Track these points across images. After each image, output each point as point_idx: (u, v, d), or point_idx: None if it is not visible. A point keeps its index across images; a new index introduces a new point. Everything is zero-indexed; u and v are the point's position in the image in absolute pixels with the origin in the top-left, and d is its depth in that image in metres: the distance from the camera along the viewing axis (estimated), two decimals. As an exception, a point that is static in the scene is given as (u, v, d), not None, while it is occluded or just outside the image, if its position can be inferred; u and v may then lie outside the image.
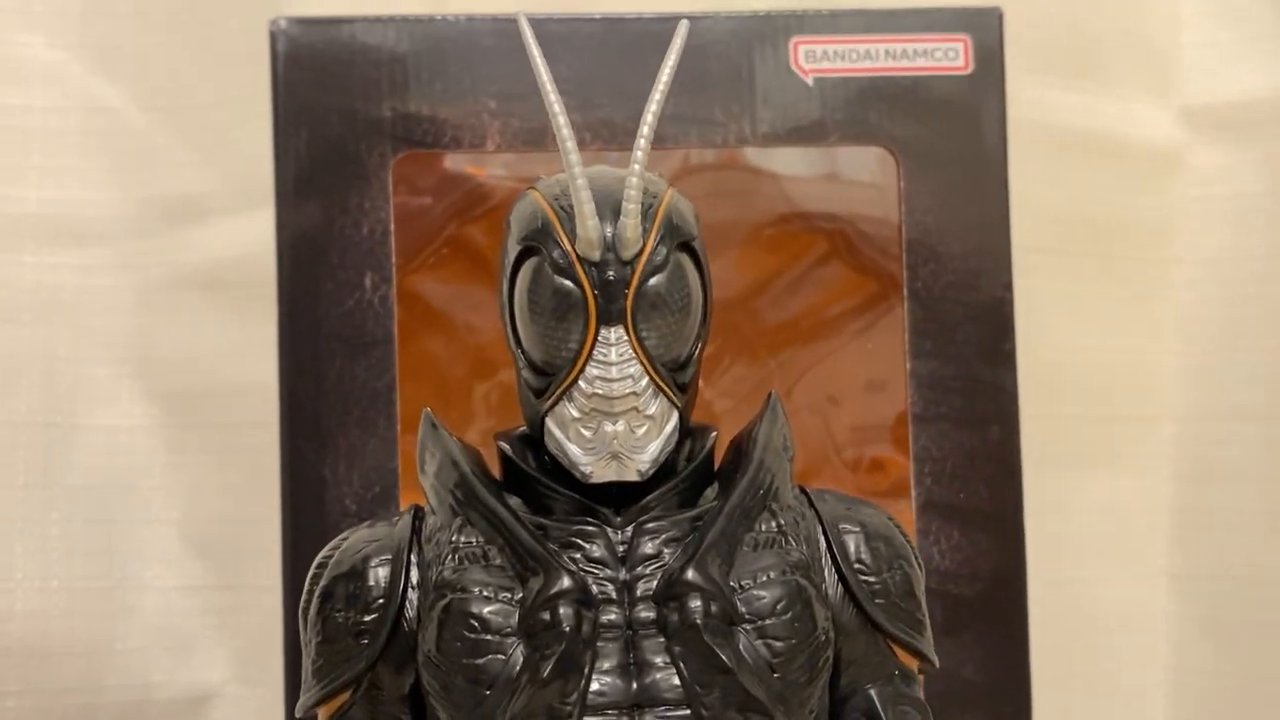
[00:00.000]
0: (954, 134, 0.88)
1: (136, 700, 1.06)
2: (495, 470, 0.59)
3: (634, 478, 0.59)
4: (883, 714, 0.62)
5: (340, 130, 0.85)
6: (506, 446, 0.63)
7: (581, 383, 0.58)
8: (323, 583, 0.62)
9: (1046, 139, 1.17)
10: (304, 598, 0.63)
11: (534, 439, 0.57)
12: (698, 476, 0.62)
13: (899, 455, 0.90)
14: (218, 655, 1.18)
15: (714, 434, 0.64)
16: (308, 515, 0.85)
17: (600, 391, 0.58)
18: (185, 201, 1.09)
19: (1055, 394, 1.15)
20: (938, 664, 0.65)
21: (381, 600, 0.57)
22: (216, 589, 1.14)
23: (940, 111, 0.88)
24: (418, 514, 0.63)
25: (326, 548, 0.65)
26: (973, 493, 0.86)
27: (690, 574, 0.57)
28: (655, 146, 0.60)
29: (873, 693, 0.62)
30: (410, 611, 0.60)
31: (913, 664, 0.64)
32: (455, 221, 0.89)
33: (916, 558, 0.65)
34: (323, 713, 0.63)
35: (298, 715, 0.64)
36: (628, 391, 0.58)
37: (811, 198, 0.92)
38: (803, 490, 0.65)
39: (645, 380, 0.58)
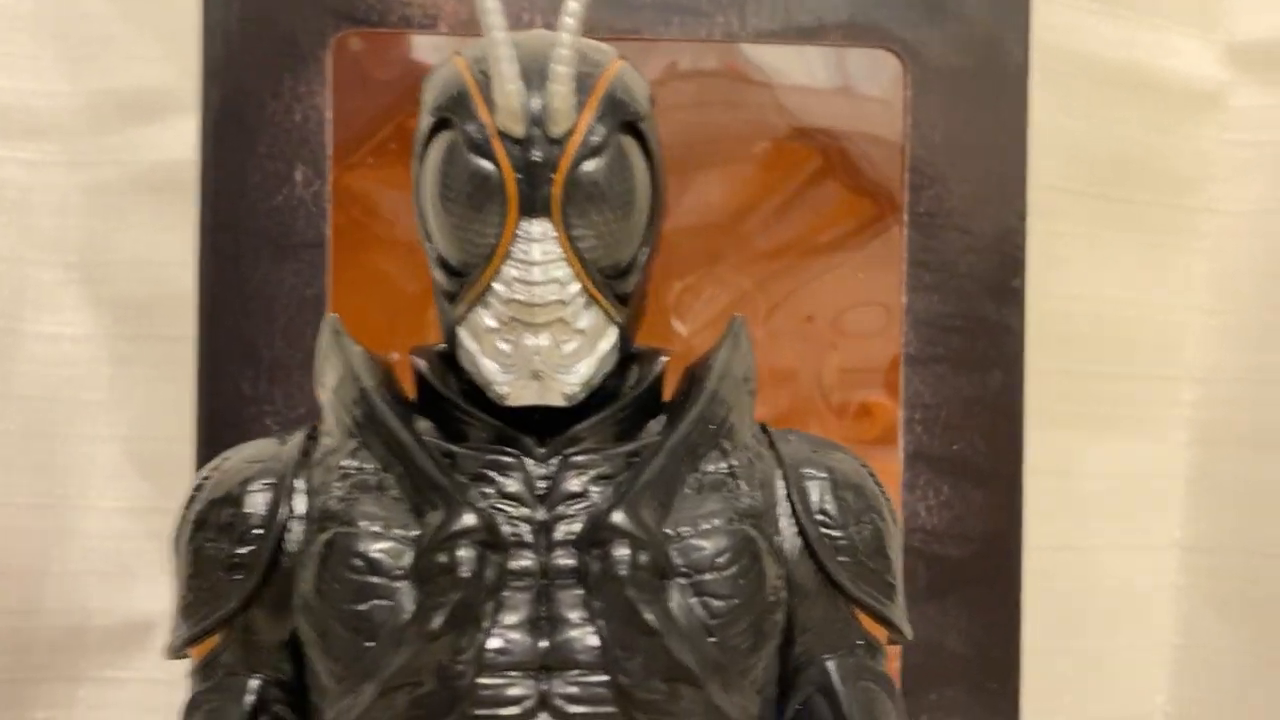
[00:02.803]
0: (971, 45, 0.78)
1: (73, 626, 1.00)
2: (411, 390, 0.55)
3: (559, 402, 0.50)
4: (839, 689, 0.53)
5: (274, 2, 0.75)
6: (421, 362, 0.54)
7: (498, 285, 0.49)
8: (196, 507, 0.54)
9: (1073, 67, 1.07)
10: (176, 523, 0.55)
11: (453, 356, 0.52)
12: (641, 406, 0.54)
13: (890, 401, 0.80)
14: (161, 583, 1.11)
15: (663, 359, 0.55)
16: (223, 435, 0.76)
17: (520, 296, 0.49)
18: (143, 96, 1.00)
19: (1065, 344, 1.06)
20: (909, 635, 0.56)
21: (259, 531, 0.50)
22: (162, 512, 1.07)
23: (957, 18, 0.78)
24: (312, 434, 0.54)
25: (207, 467, 0.56)
26: (968, 444, 0.77)
27: (618, 516, 0.49)
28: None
29: (830, 665, 0.53)
30: (291, 545, 0.51)
31: (880, 634, 0.55)
32: (403, 113, 0.79)
33: (891, 512, 0.56)
34: (194, 653, 0.54)
35: (165, 656, 0.56)
36: (552, 299, 0.49)
37: (810, 110, 0.82)
38: (764, 429, 0.55)
39: (575, 286, 0.49)
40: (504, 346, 0.50)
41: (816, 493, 0.54)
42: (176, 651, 0.55)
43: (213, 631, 0.53)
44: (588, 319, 0.50)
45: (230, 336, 0.76)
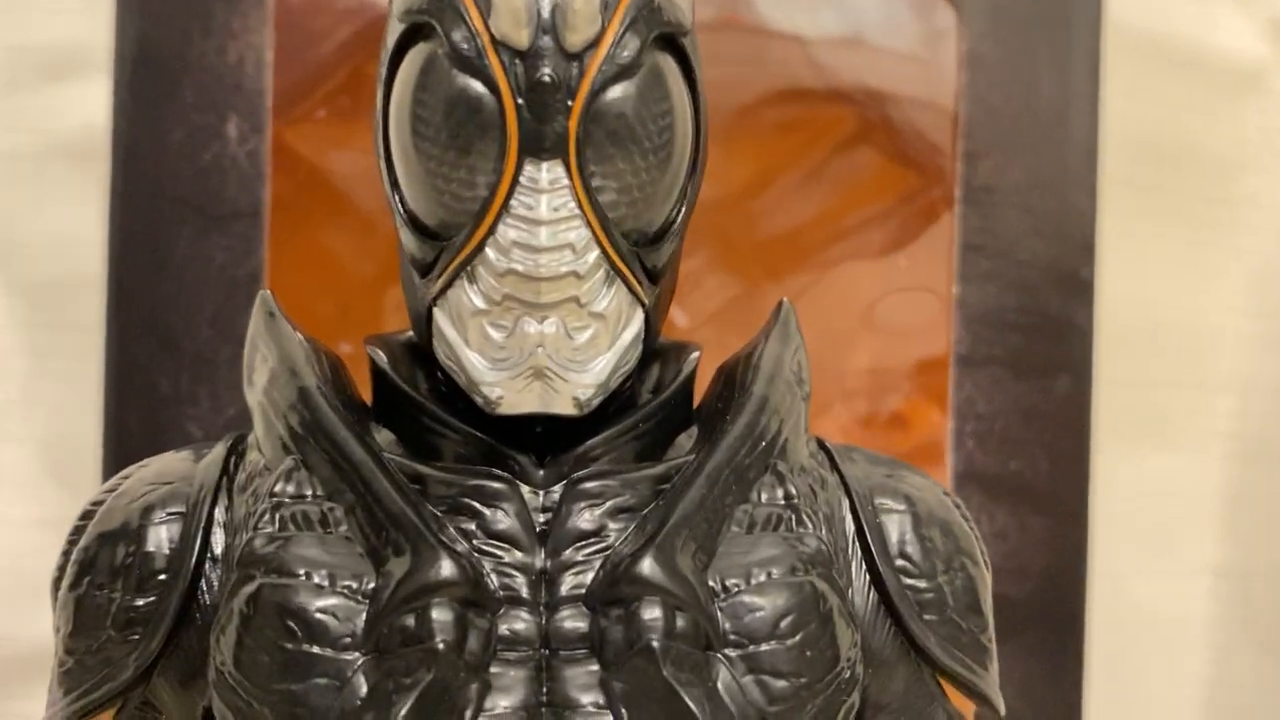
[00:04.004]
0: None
1: (-28, 653, 0.86)
2: (367, 392, 0.43)
3: (568, 410, 0.38)
4: None
5: (205, -79, 0.62)
6: (380, 354, 0.41)
7: (491, 251, 0.37)
8: (82, 542, 0.41)
9: (1130, 38, 0.96)
10: (58, 561, 0.42)
11: (424, 348, 0.41)
12: (668, 415, 0.42)
13: (930, 408, 0.69)
14: None
15: (695, 354, 0.43)
16: (136, 443, 0.64)
17: (520, 267, 0.37)
18: (63, 55, 0.85)
19: (1122, 350, 0.96)
20: (1003, 710, 0.44)
21: (164, 576, 0.41)
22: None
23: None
24: (236, 445, 0.41)
25: (102, 488, 0.43)
26: (1029, 463, 0.65)
27: (647, 565, 0.37)
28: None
29: None
30: (207, 596, 0.39)
31: (967, 709, 0.43)
32: (362, 55, 0.66)
33: (983, 552, 0.44)
34: None
35: None
36: (564, 270, 0.37)
37: (840, 65, 0.70)
38: (821, 445, 0.43)
39: (594, 254, 0.37)
40: (495, 334, 0.38)
41: (896, 532, 0.42)
42: None
43: (102, 709, 0.40)
44: (608, 299, 0.38)
45: (144, 324, 0.64)
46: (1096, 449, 0.66)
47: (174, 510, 0.40)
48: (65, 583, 0.41)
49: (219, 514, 0.40)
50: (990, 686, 0.43)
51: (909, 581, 0.41)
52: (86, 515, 0.42)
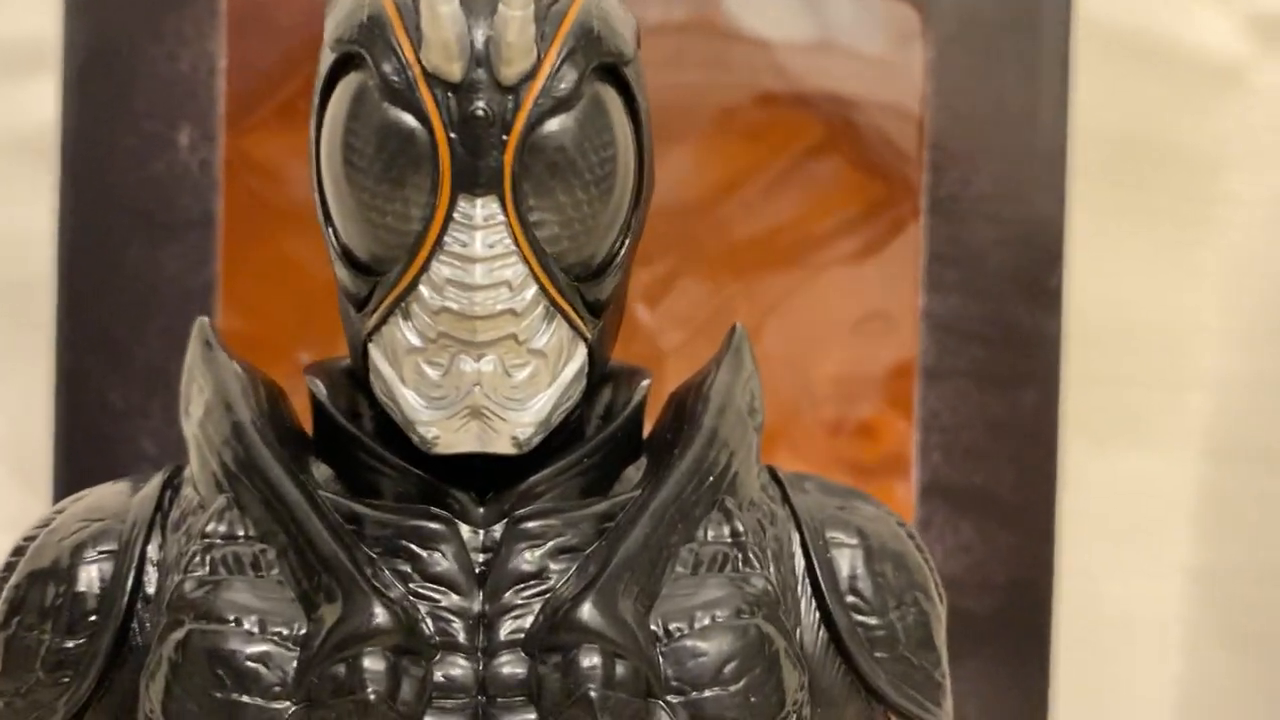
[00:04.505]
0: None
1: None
2: (309, 421, 0.42)
3: (505, 449, 0.37)
4: None
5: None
6: (320, 385, 0.40)
7: (424, 289, 0.36)
8: (14, 579, 0.40)
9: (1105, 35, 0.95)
10: None
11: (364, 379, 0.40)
12: (615, 448, 0.41)
13: (896, 418, 0.68)
14: None
15: (645, 382, 0.41)
16: (86, 457, 0.62)
17: (455, 305, 0.36)
18: (14, 50, 0.82)
19: (1095, 350, 0.95)
20: None
21: (94, 617, 0.40)
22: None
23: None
24: (172, 479, 0.40)
25: (35, 523, 0.42)
26: (993, 475, 0.64)
27: (586, 611, 0.36)
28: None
29: None
30: (139, 638, 0.38)
31: None
32: (314, 63, 0.64)
33: (938, 585, 0.43)
34: None
35: None
36: (500, 308, 0.36)
37: (805, 70, 0.68)
38: (773, 475, 0.42)
39: (532, 290, 0.36)
40: (431, 373, 0.36)
41: (846, 567, 0.41)
42: None
43: None
44: (548, 335, 0.37)
45: (96, 335, 0.63)
46: (1066, 451, 0.65)
47: (105, 549, 0.39)
48: None
49: (151, 552, 0.39)
50: None
51: (859, 618, 0.41)
52: (18, 551, 0.41)
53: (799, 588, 0.40)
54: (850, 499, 0.43)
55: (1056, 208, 0.65)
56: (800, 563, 0.41)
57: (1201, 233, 1.04)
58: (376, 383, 0.38)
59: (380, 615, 0.35)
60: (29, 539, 0.41)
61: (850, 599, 0.41)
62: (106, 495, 0.41)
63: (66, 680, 0.38)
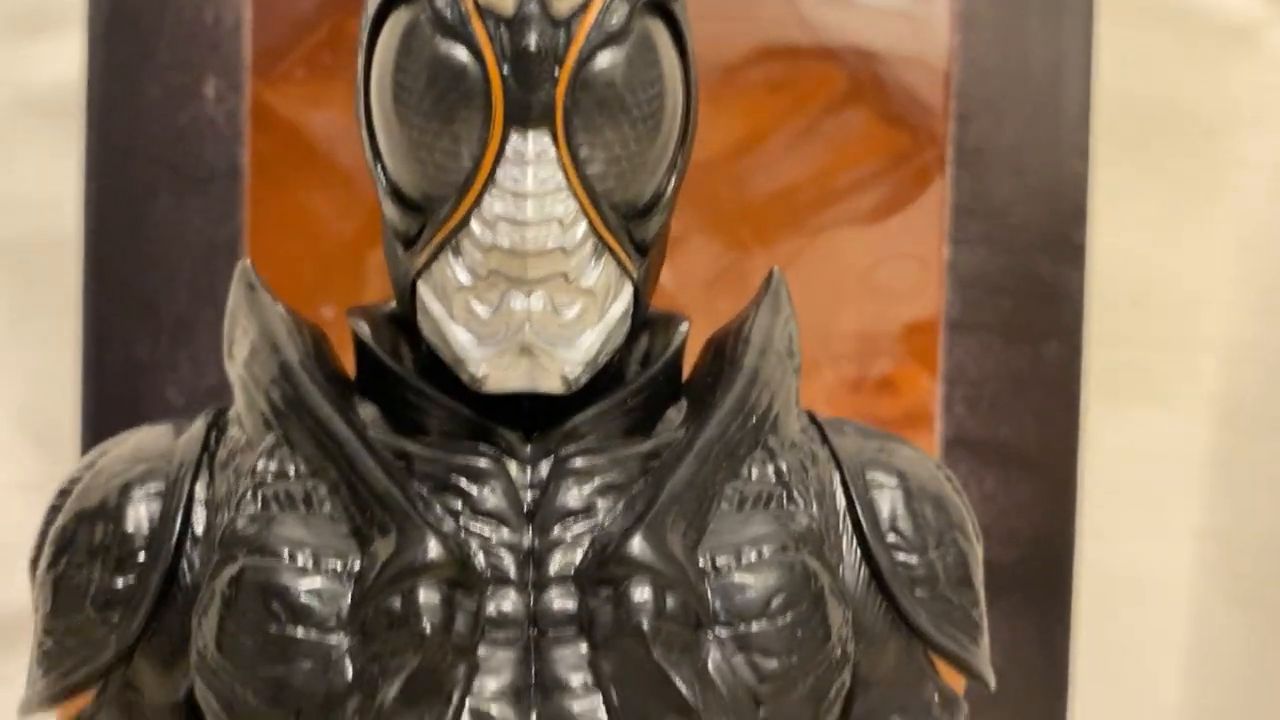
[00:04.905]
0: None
1: (-49, 619, 0.84)
2: (350, 365, 0.42)
3: (555, 388, 0.37)
4: None
5: None
6: (363, 326, 0.40)
7: (475, 225, 0.36)
8: (60, 521, 0.40)
9: None
10: (35, 540, 0.41)
11: (409, 322, 0.40)
12: (657, 390, 0.41)
13: (919, 373, 0.68)
14: None
15: (684, 325, 0.42)
16: (114, 410, 0.62)
17: (506, 242, 0.36)
18: (37, 7, 0.84)
19: (1111, 312, 0.95)
20: (993, 685, 0.43)
21: (143, 556, 0.39)
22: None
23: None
24: (218, 420, 0.41)
25: (80, 463, 0.42)
26: (1018, 428, 0.64)
27: (636, 545, 0.36)
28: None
29: None
30: (188, 576, 0.38)
31: (958, 683, 0.43)
32: (342, 12, 0.64)
33: (975, 525, 0.44)
34: (59, 713, 0.40)
35: (21, 713, 0.42)
36: (551, 245, 0.36)
37: (830, 22, 0.68)
38: (812, 419, 0.42)
39: (582, 227, 0.36)
40: (481, 310, 0.36)
41: (887, 507, 0.41)
42: (33, 711, 0.41)
43: (82, 689, 0.39)
44: (596, 273, 0.37)
45: (122, 289, 0.63)
46: (1086, 411, 0.65)
47: (153, 488, 0.39)
48: (43, 562, 0.40)
49: (200, 491, 0.39)
50: (981, 662, 0.43)
51: (900, 557, 0.41)
52: (64, 493, 0.41)
53: (840, 527, 0.40)
54: (888, 442, 0.43)
55: (1081, 163, 0.65)
56: (841, 503, 0.41)
57: (1215, 196, 1.03)
58: (424, 322, 0.38)
59: (434, 549, 0.35)
60: (74, 481, 0.41)
61: (891, 538, 0.41)
62: (149, 438, 0.42)
63: (116, 619, 0.38)
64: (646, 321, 0.42)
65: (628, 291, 0.38)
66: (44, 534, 0.41)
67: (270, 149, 0.64)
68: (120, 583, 0.39)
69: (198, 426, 0.41)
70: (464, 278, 0.36)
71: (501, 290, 0.36)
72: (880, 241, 0.70)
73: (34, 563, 0.41)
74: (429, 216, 0.37)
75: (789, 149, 0.72)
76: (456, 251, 0.36)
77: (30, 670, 0.41)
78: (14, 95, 0.88)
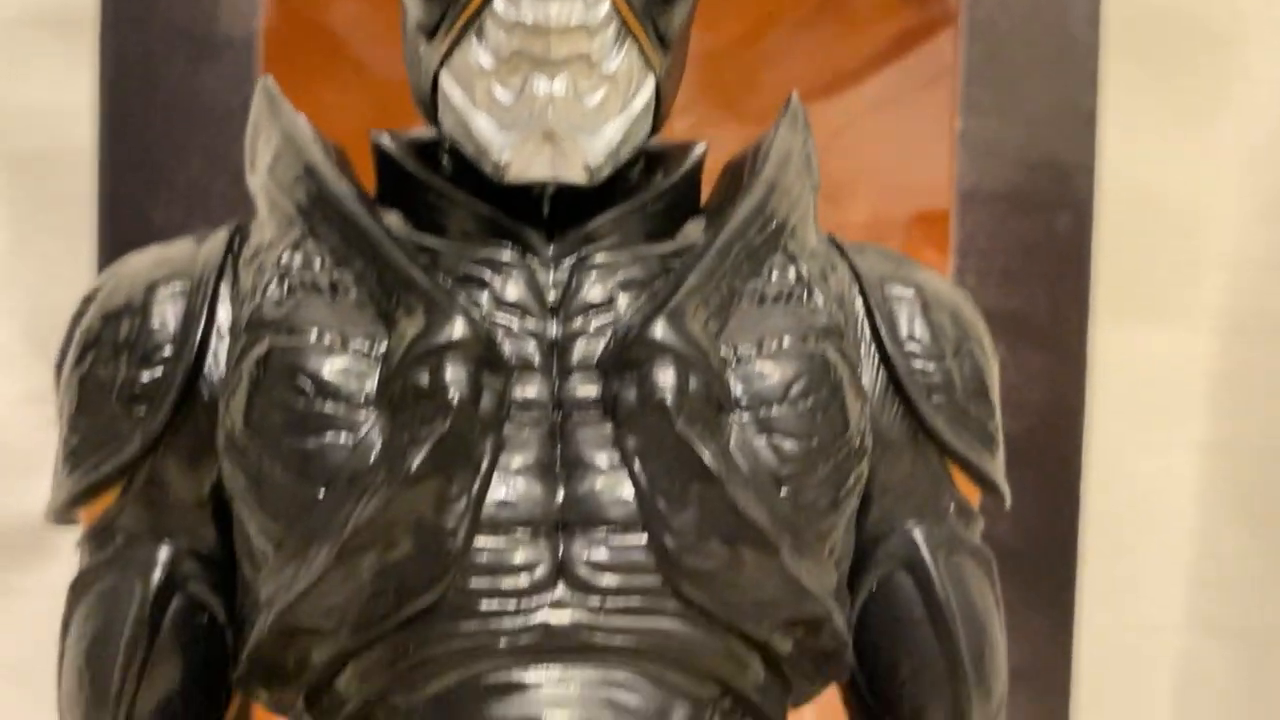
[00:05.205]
0: None
1: (-38, 529, 0.84)
2: (368, 188, 0.42)
3: (577, 176, 0.37)
4: (929, 563, 0.41)
5: None
6: (386, 140, 0.40)
7: (499, 3, 0.36)
8: (85, 322, 0.40)
9: None
10: (60, 345, 0.41)
11: (429, 145, 0.41)
12: (675, 201, 0.41)
13: (928, 250, 0.68)
14: None
15: (701, 148, 0.42)
16: None
17: (529, 18, 0.36)
18: None
19: (1114, 225, 0.95)
20: (1009, 498, 0.44)
21: (169, 350, 0.40)
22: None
23: None
24: (239, 229, 0.41)
25: (102, 275, 0.42)
26: (1028, 298, 0.65)
27: (659, 329, 0.36)
28: None
29: (918, 534, 0.41)
30: (214, 371, 0.38)
31: (974, 494, 0.43)
32: None
33: (992, 345, 0.44)
34: (83, 514, 0.41)
35: (47, 519, 0.42)
36: (575, 23, 0.36)
37: None
38: (833, 240, 0.43)
39: (606, 7, 0.36)
40: (504, 96, 0.37)
41: (905, 315, 0.41)
42: (60, 514, 0.41)
43: (107, 485, 0.39)
44: (619, 59, 0.37)
45: (137, 156, 0.63)
46: (1097, 286, 0.66)
47: (178, 287, 0.39)
48: (68, 362, 0.41)
49: (224, 289, 0.39)
50: (997, 472, 0.43)
51: (918, 364, 0.41)
52: (88, 299, 0.42)
53: (858, 333, 0.41)
54: (906, 261, 0.44)
55: (1092, 34, 0.65)
56: (860, 310, 0.41)
57: (1220, 109, 1.03)
58: (446, 116, 0.38)
59: (461, 327, 0.36)
60: (97, 288, 0.42)
61: (909, 346, 0.41)
62: (171, 248, 0.42)
63: (141, 413, 0.39)
64: (663, 153, 0.42)
65: (650, 84, 0.38)
66: (69, 337, 0.41)
67: (285, 27, 0.65)
68: (146, 377, 0.39)
69: (220, 234, 0.41)
70: (486, 61, 0.37)
71: (524, 73, 0.36)
72: (892, 124, 0.70)
73: (59, 367, 0.42)
74: (450, 3, 0.37)
75: (797, 33, 0.72)
76: (480, 34, 0.36)
77: (55, 474, 0.41)
78: (26, 7, 0.87)
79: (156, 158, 0.62)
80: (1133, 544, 0.98)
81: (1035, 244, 0.65)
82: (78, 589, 0.40)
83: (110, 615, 0.39)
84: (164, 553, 0.39)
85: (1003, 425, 0.61)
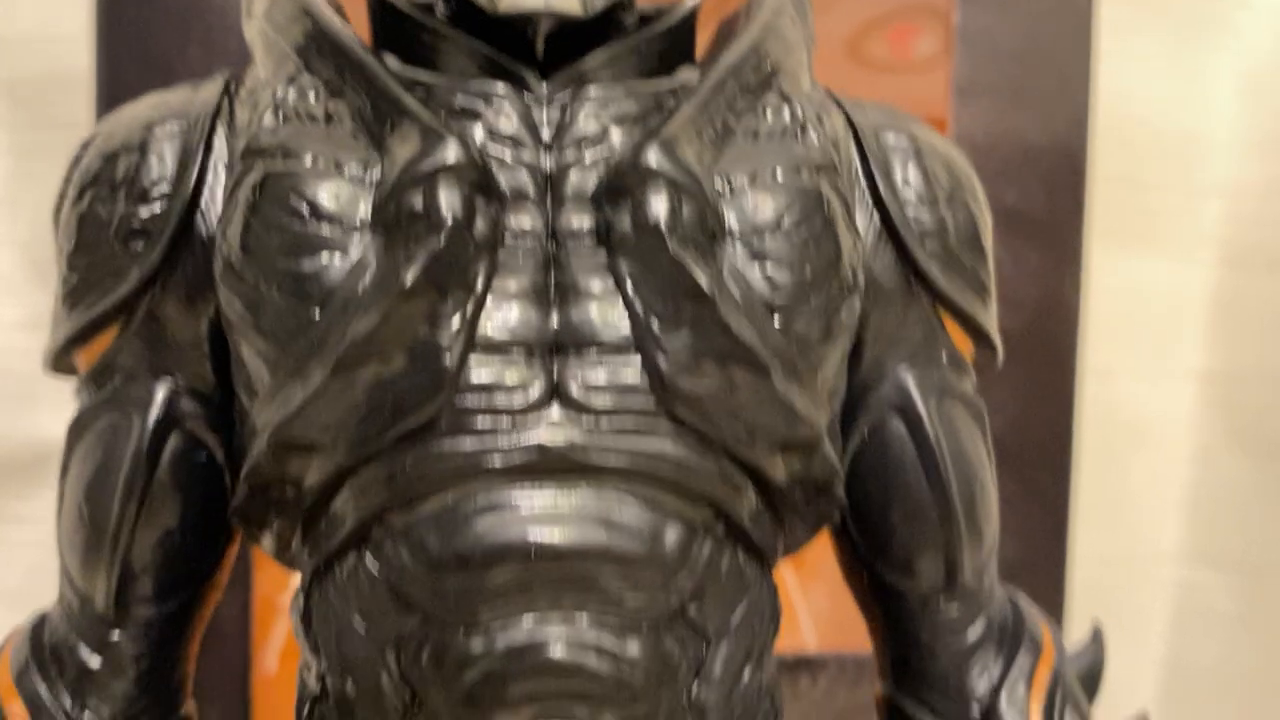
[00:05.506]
0: None
1: (-37, 456, 0.84)
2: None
3: (573, 9, 0.37)
4: (921, 407, 0.41)
5: None
6: None
7: None
8: (84, 162, 0.41)
9: None
10: (59, 188, 0.41)
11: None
12: (670, 46, 0.41)
13: None
14: (65, 405, 0.99)
15: (694, 2, 0.42)
16: None
17: None
18: None
19: (1110, 153, 0.94)
20: (1001, 355, 0.44)
21: (166, 188, 0.39)
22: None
23: None
24: (234, 75, 0.41)
25: (100, 120, 0.43)
26: (1025, 195, 0.65)
27: (653, 156, 0.36)
28: None
29: (909, 379, 0.41)
30: (211, 207, 0.38)
31: (967, 347, 0.43)
32: None
33: (985, 200, 0.44)
34: (81, 360, 0.41)
35: (45, 367, 0.43)
36: None
37: None
38: (829, 93, 0.43)
39: None
40: None
41: (899, 163, 0.41)
42: (59, 358, 0.42)
43: (106, 323, 0.40)
44: None
45: (136, 49, 0.62)
46: (1088, 253, 0.66)
47: (175, 127, 0.39)
48: (67, 202, 0.41)
49: (220, 127, 0.39)
50: (989, 322, 0.43)
51: (911, 211, 0.41)
52: (85, 144, 0.42)
53: (853, 177, 0.41)
54: (903, 115, 0.44)
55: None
56: (855, 158, 0.41)
57: (1217, 36, 1.03)
58: None
59: (455, 150, 0.36)
60: (95, 133, 0.42)
61: (903, 192, 0.41)
62: (168, 93, 0.42)
63: (139, 248, 0.39)
64: (658, 14, 0.42)
65: None
66: (67, 179, 0.41)
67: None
68: (144, 213, 0.39)
69: (216, 79, 0.41)
70: None
71: None
72: (886, 7, 0.70)
73: (57, 209, 0.42)
74: None
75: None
76: None
77: (55, 314, 0.42)
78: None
79: (155, 52, 0.62)
80: (1126, 471, 0.99)
81: (1032, 141, 0.65)
82: (76, 430, 0.41)
83: (109, 452, 0.39)
84: (162, 390, 0.39)
85: (1000, 320, 0.61)
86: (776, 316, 0.37)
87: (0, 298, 0.96)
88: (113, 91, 0.65)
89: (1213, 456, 1.02)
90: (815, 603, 0.71)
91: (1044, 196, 0.65)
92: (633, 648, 0.35)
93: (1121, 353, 1.03)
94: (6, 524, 0.94)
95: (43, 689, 0.40)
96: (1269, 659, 0.97)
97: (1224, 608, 0.99)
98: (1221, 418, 1.02)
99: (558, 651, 0.35)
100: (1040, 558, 0.66)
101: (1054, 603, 0.70)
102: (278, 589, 0.75)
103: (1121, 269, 1.00)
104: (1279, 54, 1.01)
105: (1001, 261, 0.67)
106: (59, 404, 1.00)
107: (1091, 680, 0.46)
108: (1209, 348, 1.04)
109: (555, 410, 0.35)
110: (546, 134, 0.38)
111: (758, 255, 0.37)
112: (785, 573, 0.73)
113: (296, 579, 0.39)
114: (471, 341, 0.35)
